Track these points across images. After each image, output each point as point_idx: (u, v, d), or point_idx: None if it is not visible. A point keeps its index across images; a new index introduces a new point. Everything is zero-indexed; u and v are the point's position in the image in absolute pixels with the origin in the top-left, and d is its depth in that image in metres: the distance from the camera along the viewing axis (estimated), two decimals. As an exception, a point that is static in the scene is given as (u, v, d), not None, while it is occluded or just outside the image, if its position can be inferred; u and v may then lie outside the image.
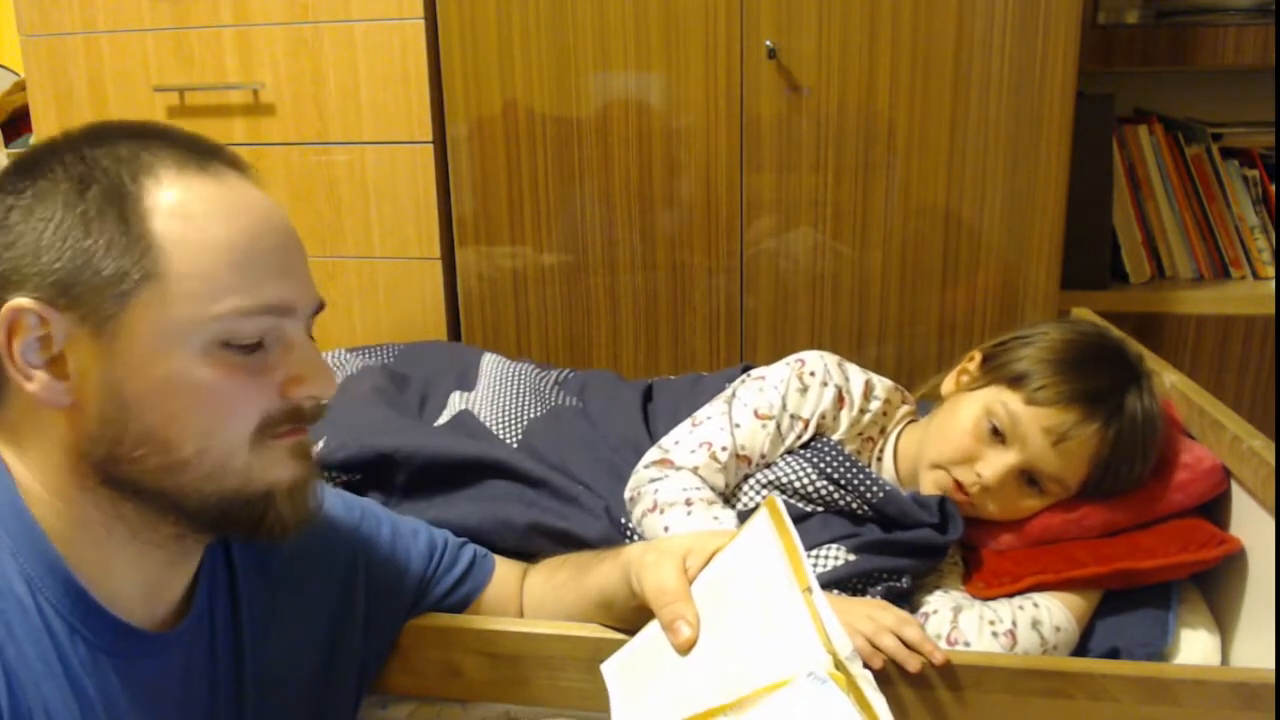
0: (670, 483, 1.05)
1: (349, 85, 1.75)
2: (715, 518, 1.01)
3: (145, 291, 0.62)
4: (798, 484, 1.07)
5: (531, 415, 1.27)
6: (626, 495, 1.09)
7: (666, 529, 1.01)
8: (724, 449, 1.08)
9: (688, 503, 1.02)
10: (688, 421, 1.14)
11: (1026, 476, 1.05)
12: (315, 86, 1.77)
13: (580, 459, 1.17)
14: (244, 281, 0.64)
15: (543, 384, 1.39)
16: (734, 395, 1.14)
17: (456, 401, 1.32)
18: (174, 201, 0.64)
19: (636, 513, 1.06)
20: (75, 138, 0.67)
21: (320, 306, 0.71)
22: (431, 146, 1.76)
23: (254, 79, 1.78)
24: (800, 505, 1.07)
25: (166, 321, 0.63)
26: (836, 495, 1.06)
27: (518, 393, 1.32)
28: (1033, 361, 1.06)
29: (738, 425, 1.10)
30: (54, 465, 0.65)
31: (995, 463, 1.04)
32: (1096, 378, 1.04)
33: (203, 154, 0.67)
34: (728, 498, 1.09)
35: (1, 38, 2.44)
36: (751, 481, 1.10)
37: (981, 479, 1.04)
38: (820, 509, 1.07)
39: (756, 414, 1.11)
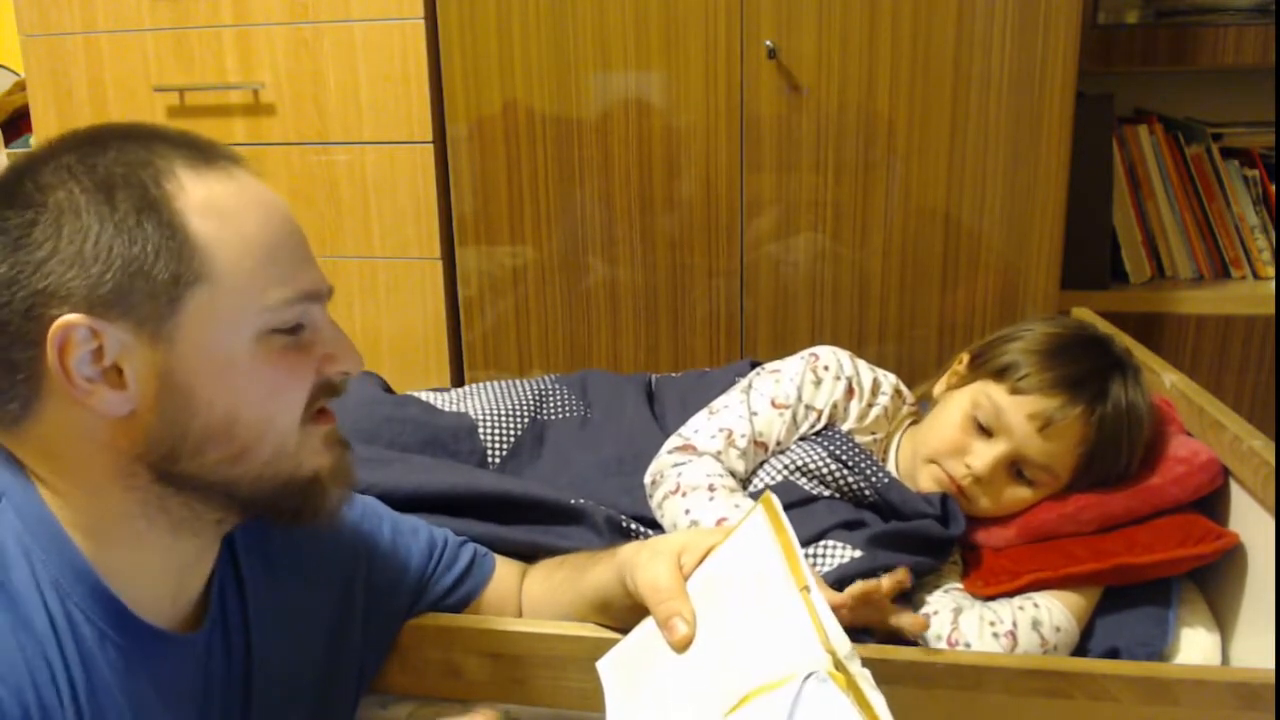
0: (694, 467, 1.07)
1: (349, 85, 1.75)
2: (736, 505, 1.02)
3: (198, 291, 0.63)
4: (811, 465, 1.09)
5: (523, 425, 1.25)
6: (647, 480, 1.11)
7: (688, 511, 1.02)
8: (743, 436, 1.11)
9: (710, 488, 1.04)
10: (705, 410, 1.16)
11: (1015, 468, 1.06)
12: (315, 86, 1.77)
13: (582, 472, 1.17)
14: (281, 272, 0.67)
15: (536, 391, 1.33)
16: (750, 386, 1.17)
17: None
18: (202, 200, 0.65)
19: (658, 495, 1.08)
20: (70, 145, 0.66)
21: (331, 291, 0.73)
22: (431, 146, 1.76)
23: (254, 79, 1.78)
24: (810, 487, 1.08)
25: (221, 317, 0.64)
26: (844, 476, 1.09)
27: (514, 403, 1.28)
28: (1016, 353, 1.08)
29: (755, 413, 1.13)
30: (95, 469, 0.65)
31: (984, 454, 1.05)
32: (1078, 364, 1.06)
33: (204, 151, 0.67)
34: (745, 482, 1.11)
35: (1, 38, 2.44)
36: (767, 466, 1.12)
37: (971, 469, 1.05)
38: (828, 492, 1.09)
39: (774, 403, 1.14)
